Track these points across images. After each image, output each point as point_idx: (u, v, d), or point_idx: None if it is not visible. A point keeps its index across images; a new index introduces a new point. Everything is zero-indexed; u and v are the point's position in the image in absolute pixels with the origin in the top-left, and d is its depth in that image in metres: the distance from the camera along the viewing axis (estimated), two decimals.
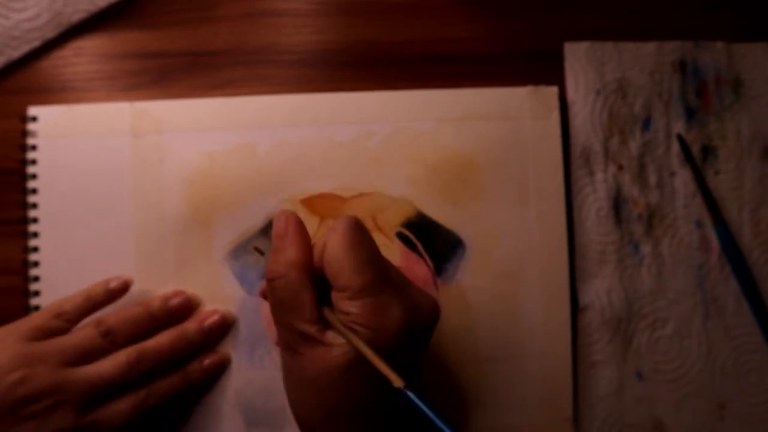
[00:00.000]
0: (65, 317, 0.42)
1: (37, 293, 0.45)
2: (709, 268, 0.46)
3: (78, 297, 0.43)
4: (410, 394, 0.32)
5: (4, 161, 0.46)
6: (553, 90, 0.46)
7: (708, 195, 0.46)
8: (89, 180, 0.45)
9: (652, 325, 0.46)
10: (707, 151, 0.47)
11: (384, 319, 0.33)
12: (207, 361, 0.44)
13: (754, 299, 0.46)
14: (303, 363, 0.34)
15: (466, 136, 0.46)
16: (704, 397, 0.45)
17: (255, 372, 0.45)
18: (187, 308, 0.44)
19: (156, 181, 0.45)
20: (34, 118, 0.46)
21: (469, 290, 0.45)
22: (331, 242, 0.34)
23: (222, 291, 0.45)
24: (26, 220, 0.45)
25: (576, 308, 0.46)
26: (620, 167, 0.46)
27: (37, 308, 0.44)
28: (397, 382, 0.32)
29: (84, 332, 0.41)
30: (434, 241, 0.46)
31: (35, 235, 0.45)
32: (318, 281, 0.35)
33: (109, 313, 0.43)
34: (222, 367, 0.44)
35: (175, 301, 0.44)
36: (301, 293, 0.34)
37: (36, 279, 0.45)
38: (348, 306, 0.33)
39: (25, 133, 0.46)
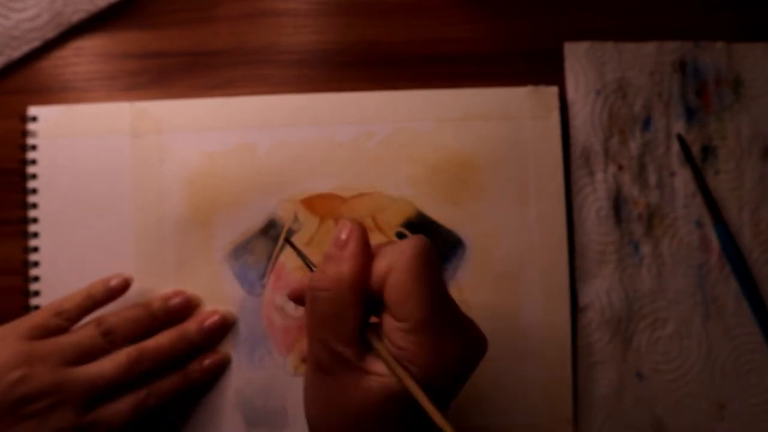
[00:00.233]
0: (65, 316, 0.42)
1: (37, 293, 0.45)
2: (709, 268, 0.46)
3: (78, 295, 0.43)
4: None
5: (4, 161, 0.46)
6: (553, 90, 0.46)
7: (708, 195, 0.46)
8: (89, 180, 0.45)
9: (652, 325, 0.46)
10: (707, 151, 0.47)
11: (440, 361, 0.31)
12: (207, 361, 0.44)
13: (754, 299, 0.46)
14: (332, 384, 0.32)
15: (466, 136, 0.46)
16: (704, 397, 0.45)
17: (255, 372, 0.45)
18: (187, 308, 0.44)
19: (156, 181, 0.45)
20: (34, 118, 0.46)
21: (469, 290, 0.45)
22: (399, 266, 0.31)
23: (222, 291, 0.45)
24: (26, 220, 0.45)
25: (576, 308, 0.46)
26: (620, 167, 0.46)
27: (37, 308, 0.44)
28: (448, 429, 0.30)
29: (84, 331, 0.41)
30: (434, 241, 0.45)
31: (35, 235, 0.45)
32: (365, 300, 0.32)
33: (110, 313, 0.43)
34: (222, 367, 0.44)
35: (175, 301, 0.44)
36: (346, 312, 0.32)
37: (36, 279, 0.45)
38: (403, 340, 0.31)
39: (25, 133, 0.46)
